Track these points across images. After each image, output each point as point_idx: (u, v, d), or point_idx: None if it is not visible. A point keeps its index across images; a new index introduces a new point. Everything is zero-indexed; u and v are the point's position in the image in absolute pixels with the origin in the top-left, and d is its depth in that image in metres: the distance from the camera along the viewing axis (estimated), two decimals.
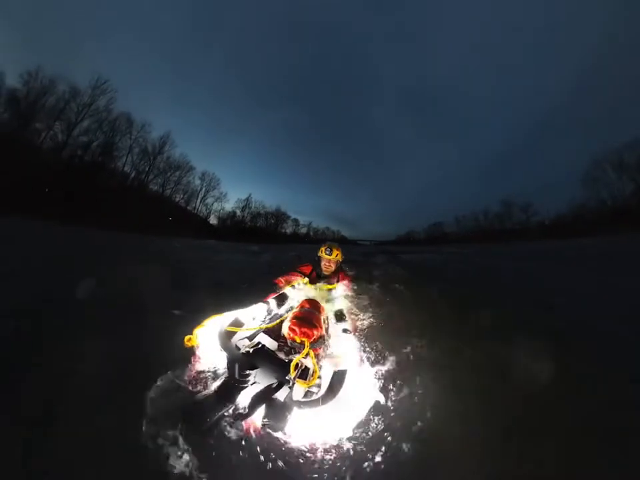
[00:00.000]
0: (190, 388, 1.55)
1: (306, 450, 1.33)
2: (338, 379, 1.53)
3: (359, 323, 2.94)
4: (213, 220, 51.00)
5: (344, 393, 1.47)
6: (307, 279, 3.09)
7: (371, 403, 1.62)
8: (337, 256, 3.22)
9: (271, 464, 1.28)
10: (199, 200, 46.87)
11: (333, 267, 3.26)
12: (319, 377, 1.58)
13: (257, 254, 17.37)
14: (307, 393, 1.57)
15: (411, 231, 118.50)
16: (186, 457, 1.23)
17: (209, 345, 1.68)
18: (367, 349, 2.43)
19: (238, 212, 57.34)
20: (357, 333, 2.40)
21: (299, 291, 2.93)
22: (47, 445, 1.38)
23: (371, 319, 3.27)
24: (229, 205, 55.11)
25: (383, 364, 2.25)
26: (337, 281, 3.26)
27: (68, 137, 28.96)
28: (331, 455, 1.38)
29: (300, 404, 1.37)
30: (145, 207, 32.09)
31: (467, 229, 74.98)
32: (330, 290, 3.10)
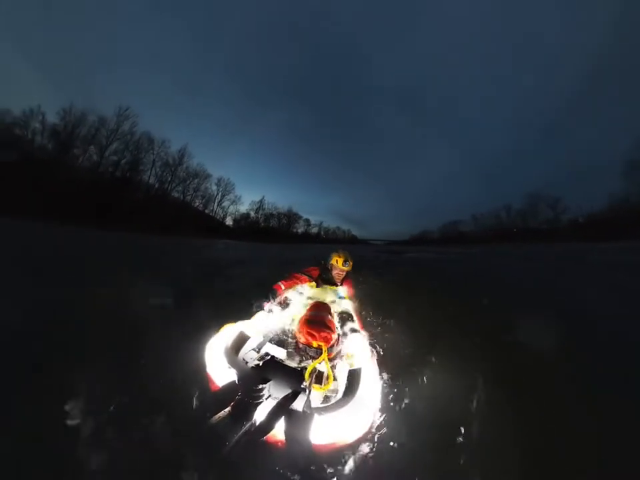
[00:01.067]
0: (203, 413, 1.42)
1: (334, 455, 1.32)
2: (354, 378, 1.52)
3: (364, 322, 2.96)
4: (229, 221, 54.88)
5: (362, 390, 1.46)
6: (313, 283, 3.00)
7: (389, 397, 1.65)
8: (350, 266, 3.15)
9: (300, 475, 1.26)
10: (215, 203, 51.09)
11: (343, 276, 3.18)
12: (335, 380, 1.56)
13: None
14: (325, 398, 1.53)
15: (425, 231, 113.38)
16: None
17: (216, 364, 1.62)
18: (377, 345, 2.47)
19: (252, 213, 60.77)
20: (364, 331, 2.40)
21: (300, 294, 2.80)
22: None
23: (377, 317, 3.45)
24: (243, 207, 59.10)
25: (393, 359, 2.32)
26: (342, 284, 3.21)
27: (101, 158, 33.99)
28: (358, 456, 1.38)
29: (320, 410, 1.35)
30: (169, 212, 36.22)
31: (486, 228, 69.25)
32: (334, 291, 3.00)
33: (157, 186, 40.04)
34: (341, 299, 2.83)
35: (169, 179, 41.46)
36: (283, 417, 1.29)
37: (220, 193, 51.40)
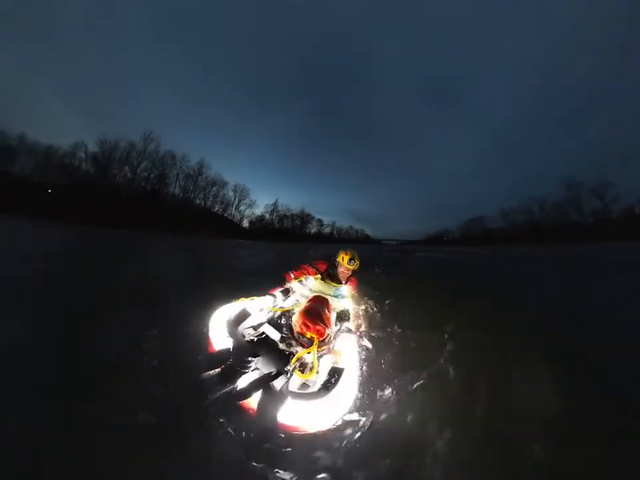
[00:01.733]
0: (200, 366, 1.63)
1: (292, 437, 1.40)
2: (335, 375, 1.57)
3: (361, 324, 2.98)
4: (245, 224, 59.20)
5: (338, 389, 1.51)
6: (319, 276, 3.06)
7: (364, 402, 1.73)
8: (357, 266, 3.09)
9: (256, 444, 1.40)
10: (233, 208, 55.64)
11: (349, 275, 3.14)
12: (317, 372, 1.62)
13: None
14: (303, 385, 1.62)
15: (444, 230, 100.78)
16: (186, 424, 1.46)
17: (218, 331, 1.83)
18: (367, 349, 2.46)
19: (267, 216, 64.72)
20: (358, 333, 2.44)
21: (305, 285, 2.96)
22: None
23: (374, 321, 3.35)
24: (258, 210, 62.77)
25: (381, 366, 2.33)
26: (346, 283, 3.16)
27: (134, 175, 39.56)
28: (313, 445, 1.47)
29: (294, 394, 1.43)
30: (193, 217, 40.86)
31: (517, 225, 57.72)
32: (337, 288, 3.01)
33: (181, 195, 45.34)
34: (342, 297, 2.90)
35: (191, 188, 46.72)
36: (261, 390, 1.45)
37: (237, 198, 55.97)
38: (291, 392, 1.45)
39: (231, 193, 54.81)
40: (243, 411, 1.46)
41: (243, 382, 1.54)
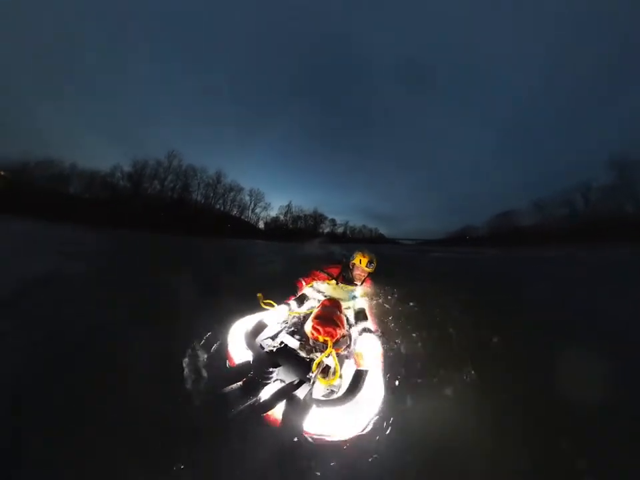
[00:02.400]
0: (221, 381, 1.58)
1: (319, 446, 1.34)
2: (359, 378, 1.54)
3: (380, 322, 2.90)
4: (261, 225, 63.15)
5: (364, 393, 1.48)
6: (333, 281, 2.92)
7: (390, 405, 1.64)
8: (374, 268, 2.94)
9: (284, 456, 1.35)
10: (249, 211, 60.06)
11: (365, 277, 2.97)
12: (340, 376, 1.60)
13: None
14: (327, 392, 1.60)
15: (467, 227, 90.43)
16: (211, 440, 1.41)
17: (237, 345, 1.82)
18: (389, 348, 2.42)
19: (281, 217, 68.26)
20: (378, 332, 2.38)
21: (317, 290, 2.93)
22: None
23: (392, 318, 3.33)
24: (273, 212, 66.50)
25: (404, 364, 2.29)
26: (361, 284, 3.01)
27: (162, 187, 45.29)
28: (343, 453, 1.41)
29: (319, 402, 1.41)
30: (214, 220, 45.37)
31: (555, 220, 47.96)
32: (350, 290, 2.92)
33: (203, 202, 50.53)
34: (355, 298, 2.88)
35: (211, 195, 52.02)
36: (285, 400, 1.41)
37: (252, 202, 60.29)
38: (315, 400, 1.43)
39: (247, 197, 59.33)
40: (268, 423, 1.41)
41: (265, 393, 1.52)
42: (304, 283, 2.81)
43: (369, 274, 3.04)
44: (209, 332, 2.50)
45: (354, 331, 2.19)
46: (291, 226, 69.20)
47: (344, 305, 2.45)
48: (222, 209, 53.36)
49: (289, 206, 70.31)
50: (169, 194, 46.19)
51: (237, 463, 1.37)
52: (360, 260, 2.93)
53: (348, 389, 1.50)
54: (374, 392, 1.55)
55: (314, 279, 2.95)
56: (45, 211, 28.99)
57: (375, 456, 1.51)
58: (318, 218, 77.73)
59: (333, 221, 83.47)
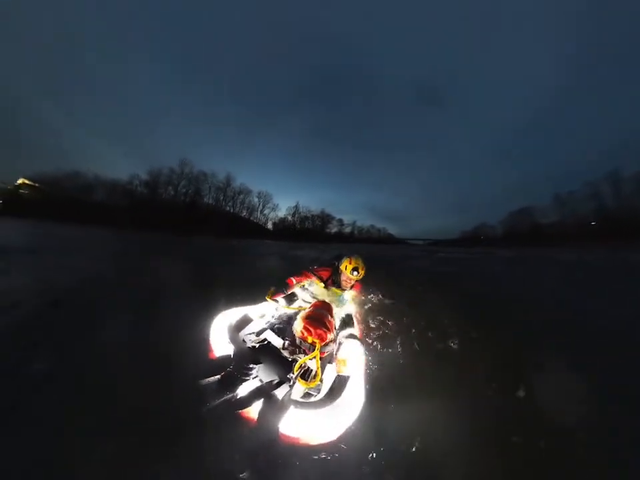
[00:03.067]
0: (199, 372, 1.56)
1: (294, 449, 1.33)
2: (339, 384, 1.54)
3: (365, 330, 2.87)
4: (269, 226, 65.61)
5: (344, 398, 1.46)
6: (322, 284, 2.88)
7: (368, 412, 1.58)
8: (361, 276, 2.82)
9: (256, 456, 1.31)
10: (258, 212, 62.78)
11: (353, 284, 2.90)
12: (321, 380, 1.57)
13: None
14: (306, 394, 1.57)
15: (481, 225, 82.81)
16: (183, 432, 1.36)
17: (219, 337, 1.79)
18: (372, 356, 2.38)
19: (289, 218, 70.33)
20: (362, 339, 2.35)
21: (307, 290, 2.89)
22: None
23: (378, 326, 3.23)
24: (281, 213, 68.75)
25: (386, 372, 2.26)
26: (350, 288, 2.95)
27: (176, 192, 49.12)
28: (316, 458, 1.40)
29: (297, 403, 1.39)
30: (225, 222, 48.34)
31: (581, 216, 42.04)
32: (339, 295, 2.87)
33: (214, 204, 53.98)
34: (344, 302, 2.87)
35: (222, 198, 55.32)
36: (262, 398, 1.39)
37: (261, 204, 62.96)
38: (293, 401, 1.41)
39: (256, 199, 62.07)
40: (243, 420, 1.38)
41: (243, 390, 1.49)
42: (294, 281, 2.73)
43: (359, 280, 2.98)
44: (201, 319, 2.30)
45: (339, 336, 2.15)
46: (298, 226, 71.06)
47: (334, 309, 2.38)
48: (232, 210, 56.51)
49: (296, 206, 72.19)
50: (182, 198, 49.99)
51: (209, 460, 1.32)
52: (345, 266, 2.83)
53: (328, 393, 1.50)
54: (354, 398, 1.52)
55: (305, 279, 2.86)
56: (75, 217, 33.27)
57: (349, 462, 1.47)
58: (325, 218, 78.42)
59: (340, 221, 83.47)
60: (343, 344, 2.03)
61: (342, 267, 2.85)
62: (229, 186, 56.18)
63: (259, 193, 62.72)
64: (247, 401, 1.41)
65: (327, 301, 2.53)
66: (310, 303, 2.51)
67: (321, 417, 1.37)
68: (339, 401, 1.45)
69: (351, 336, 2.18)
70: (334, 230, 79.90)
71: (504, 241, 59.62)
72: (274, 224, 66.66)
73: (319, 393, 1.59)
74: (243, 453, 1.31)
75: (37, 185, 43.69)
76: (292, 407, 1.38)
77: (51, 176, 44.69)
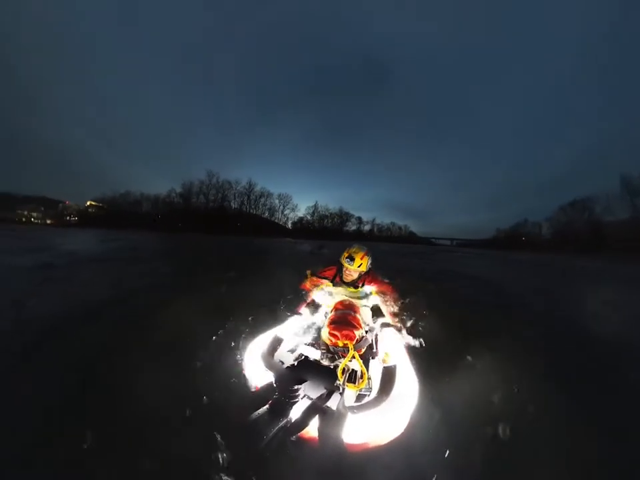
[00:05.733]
0: (246, 409, 1.43)
1: (364, 454, 1.28)
2: (388, 375, 1.51)
3: (396, 315, 2.67)
4: (289, 225, 70.29)
5: (397, 389, 1.42)
6: (330, 283, 2.80)
7: (429, 396, 1.54)
8: (359, 266, 2.63)
9: (332, 473, 1.23)
10: (280, 213, 68.19)
11: (355, 276, 2.73)
12: (369, 378, 1.54)
13: None
14: (359, 396, 1.53)
15: (522, 222, 63.81)
16: (250, 474, 1.22)
17: (255, 368, 1.72)
18: (411, 339, 2.24)
19: (308, 217, 73.67)
20: (397, 325, 2.28)
21: (327, 294, 2.82)
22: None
23: (409, 308, 2.97)
24: (300, 213, 72.59)
25: (429, 353, 2.14)
26: (363, 285, 2.77)
27: (206, 200, 57.15)
28: (392, 458, 1.31)
29: (353, 409, 1.35)
30: (250, 222, 54.65)
31: None
32: (356, 291, 2.77)
33: (239, 208, 61.31)
34: (368, 296, 2.77)
35: (246, 202, 62.40)
36: (317, 415, 1.34)
37: (281, 205, 68.32)
38: (349, 407, 1.37)
39: (277, 201, 67.54)
40: (305, 442, 1.32)
41: (295, 412, 1.42)
42: (309, 286, 2.78)
43: (370, 271, 2.82)
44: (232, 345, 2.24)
45: (374, 329, 2.09)
46: (317, 225, 74.49)
47: (358, 303, 2.36)
48: (254, 212, 63.01)
49: (315, 206, 75.19)
50: (211, 205, 58.05)
51: None
52: (342, 256, 2.71)
53: (380, 389, 1.46)
54: (407, 386, 1.49)
55: (317, 282, 2.85)
56: (130, 225, 42.69)
57: (423, 453, 1.40)
58: (344, 216, 78.77)
59: (359, 218, 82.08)
60: (379, 335, 2.01)
61: (340, 259, 2.75)
62: (251, 191, 62.81)
63: (279, 195, 68.07)
64: (303, 422, 1.34)
65: (348, 298, 2.54)
66: (332, 305, 2.30)
67: (381, 414, 1.34)
68: (393, 393, 1.41)
69: (385, 325, 2.16)
70: (353, 228, 79.21)
71: (549, 242, 47.40)
72: (293, 223, 71.24)
73: (371, 391, 1.54)
74: (315, 475, 1.24)
75: (100, 204, 58.86)
76: (349, 414, 1.33)
77: (109, 196, 59.46)
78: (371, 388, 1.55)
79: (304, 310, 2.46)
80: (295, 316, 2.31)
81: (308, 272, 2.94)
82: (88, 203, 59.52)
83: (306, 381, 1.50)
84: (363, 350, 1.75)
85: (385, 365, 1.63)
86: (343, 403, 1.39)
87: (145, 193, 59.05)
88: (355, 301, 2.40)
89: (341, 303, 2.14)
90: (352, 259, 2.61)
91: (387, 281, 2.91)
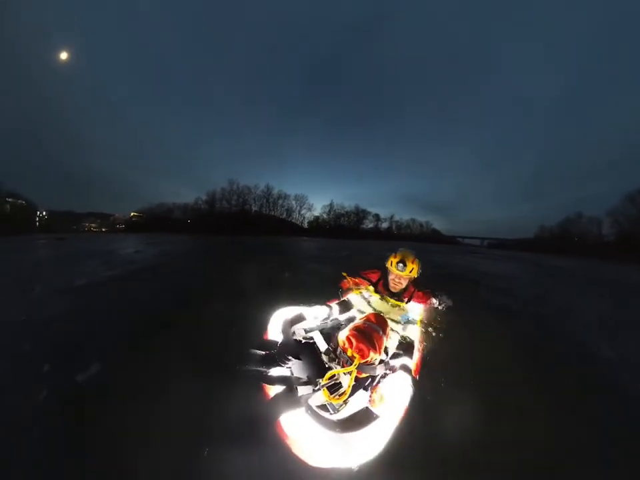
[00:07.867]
0: (253, 344, 2.00)
1: (280, 443, 1.30)
2: (364, 418, 1.39)
3: (426, 365, 2.16)
4: (305, 225, 73.42)
5: (358, 436, 1.27)
6: (372, 288, 2.60)
7: (380, 467, 1.26)
8: (411, 271, 2.40)
9: (249, 424, 1.56)
10: (297, 213, 72.16)
11: (404, 285, 2.49)
12: (345, 402, 1.46)
13: None
14: (323, 406, 1.47)
15: (574, 218, 48.36)
16: (220, 369, 2.09)
17: (275, 326, 2.11)
18: (422, 404, 1.76)
19: (324, 216, 75.81)
20: (417, 377, 1.87)
21: (365, 300, 2.55)
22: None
23: (446, 364, 2.37)
24: (316, 212, 75.02)
25: (433, 438, 1.66)
26: (410, 299, 2.50)
27: (229, 205, 63.15)
28: (298, 464, 1.25)
29: (309, 409, 1.36)
30: (270, 224, 59.33)
31: None
32: (400, 308, 2.45)
33: (258, 210, 66.80)
34: (409, 321, 2.34)
35: (265, 204, 67.71)
36: (285, 387, 1.53)
37: (298, 205, 72.11)
38: (308, 404, 1.37)
39: (293, 202, 71.46)
40: (262, 392, 1.63)
41: (274, 372, 1.70)
42: (350, 284, 2.68)
43: (417, 284, 2.56)
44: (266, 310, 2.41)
45: (389, 364, 1.79)
46: (332, 223, 76.28)
47: (392, 326, 2.11)
48: (273, 214, 68.14)
49: (330, 204, 76.99)
50: (233, 209, 64.43)
51: (218, 394, 1.86)
52: (391, 262, 2.48)
53: (346, 420, 1.39)
54: (372, 442, 1.28)
55: (358, 282, 2.72)
56: (165, 229, 50.36)
57: None
58: (360, 214, 78.13)
59: (376, 216, 79.66)
60: (389, 375, 1.73)
61: (388, 264, 2.52)
62: (269, 194, 67.44)
63: (296, 196, 71.82)
64: (272, 381, 1.61)
65: (385, 315, 2.17)
66: (364, 313, 2.06)
67: (323, 437, 1.24)
68: (352, 435, 1.27)
69: (404, 368, 1.77)
70: (370, 225, 77.22)
71: (612, 245, 33.38)
72: (309, 222, 74.27)
73: (336, 413, 1.42)
74: (248, 411, 1.59)
75: (140, 214, 70.20)
76: (302, 409, 1.34)
77: (147, 208, 70.65)
78: (338, 410, 1.44)
79: (334, 305, 2.40)
80: (324, 306, 2.34)
81: (344, 274, 2.83)
82: (131, 214, 71.72)
83: (299, 360, 1.70)
84: (363, 375, 1.61)
85: (371, 408, 1.47)
86: (308, 398, 1.41)
87: (175, 202, 68.59)
88: (391, 323, 2.16)
89: (376, 316, 1.88)
90: (404, 264, 2.39)
91: (442, 301, 2.61)
